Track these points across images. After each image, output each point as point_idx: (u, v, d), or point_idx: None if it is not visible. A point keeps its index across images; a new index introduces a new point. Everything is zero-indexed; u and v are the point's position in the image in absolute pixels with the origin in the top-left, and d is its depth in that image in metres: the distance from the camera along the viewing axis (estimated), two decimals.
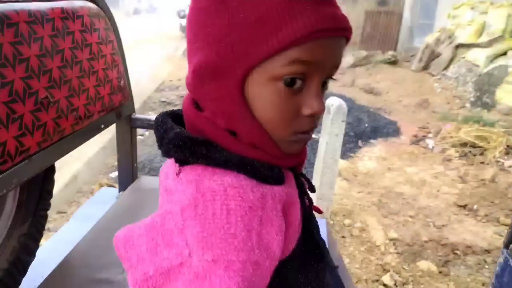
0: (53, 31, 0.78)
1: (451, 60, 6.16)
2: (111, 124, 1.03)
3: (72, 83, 0.83)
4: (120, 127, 1.12)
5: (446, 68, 6.15)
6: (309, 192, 0.55)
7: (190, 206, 0.39)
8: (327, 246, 1.06)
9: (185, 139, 0.43)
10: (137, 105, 4.53)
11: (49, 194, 0.86)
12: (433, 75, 6.27)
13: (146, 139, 4.06)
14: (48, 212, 2.56)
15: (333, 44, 0.41)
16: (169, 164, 0.48)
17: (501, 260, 1.11)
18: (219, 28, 0.40)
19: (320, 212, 0.62)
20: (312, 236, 0.52)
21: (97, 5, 0.97)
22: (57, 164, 2.90)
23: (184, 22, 16.39)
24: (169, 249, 0.40)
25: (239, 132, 0.44)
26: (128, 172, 1.16)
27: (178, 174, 0.44)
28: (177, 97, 5.74)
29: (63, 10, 0.82)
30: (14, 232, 0.78)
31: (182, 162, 0.44)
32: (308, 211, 0.53)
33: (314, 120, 0.44)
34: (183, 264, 0.39)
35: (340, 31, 0.41)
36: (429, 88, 5.93)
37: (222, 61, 0.41)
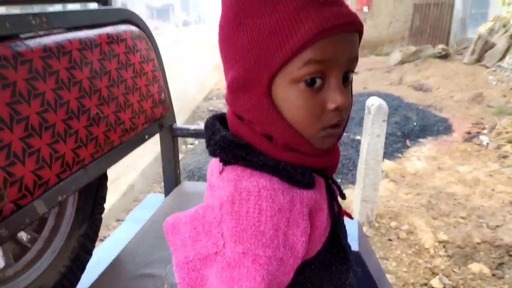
0: (101, 55, 0.89)
1: (506, 50, 5.79)
2: (154, 134, 1.13)
3: (119, 100, 0.93)
4: (163, 137, 1.22)
5: (501, 59, 5.79)
6: (340, 199, 0.59)
7: (228, 203, 0.45)
8: (357, 248, 1.08)
9: (229, 142, 0.49)
10: (186, 115, 4.74)
11: (103, 199, 0.97)
12: (487, 67, 5.93)
13: (195, 147, 4.23)
14: (108, 219, 2.74)
15: (343, 40, 0.45)
16: (215, 163, 0.54)
17: None
18: (242, 46, 0.46)
19: (351, 217, 0.65)
20: (338, 240, 0.56)
21: (139, 27, 1.08)
22: (115, 175, 3.09)
23: None
24: (207, 239, 0.46)
25: (274, 135, 0.49)
26: (172, 178, 1.26)
27: (221, 172, 0.51)
28: (224, 105, 5.91)
29: (108, 36, 0.93)
30: (74, 233, 0.90)
31: (225, 162, 0.50)
32: (337, 217, 0.57)
33: (341, 113, 0.47)
34: (218, 253, 0.45)
35: (345, 26, 0.44)
36: (483, 81, 5.62)
37: (249, 74, 0.46)
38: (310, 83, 0.45)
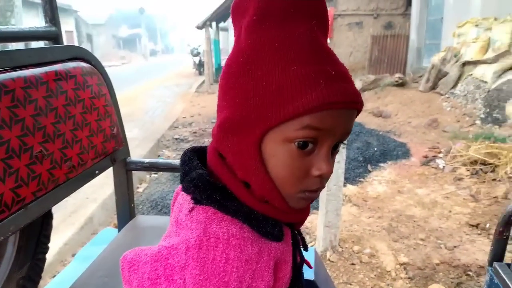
0: (47, 92, 0.89)
1: (458, 78, 6.16)
2: (106, 169, 1.12)
3: (66, 136, 0.93)
4: (116, 171, 1.22)
5: (454, 86, 6.15)
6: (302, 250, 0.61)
7: (194, 247, 0.44)
8: (313, 277, 1.10)
9: (205, 182, 0.49)
10: (151, 144, 4.70)
11: (47, 238, 0.94)
12: (441, 95, 6.28)
13: (159, 176, 4.18)
14: (64, 254, 2.62)
15: (343, 115, 0.46)
16: (185, 198, 0.53)
17: (487, 278, 1.13)
18: (244, 91, 0.46)
19: (310, 267, 0.67)
20: None
21: (90, 63, 1.09)
22: (73, 207, 2.98)
23: (197, 60, 17.02)
24: (167, 284, 0.45)
25: (252, 185, 0.49)
26: (126, 212, 1.24)
27: (191, 211, 0.49)
28: (190, 133, 5.90)
29: (56, 73, 0.94)
30: (13, 275, 0.87)
31: (197, 201, 0.50)
32: (299, 267, 0.58)
33: (322, 180, 0.48)
34: None
35: (349, 104, 0.45)
36: (438, 107, 5.93)
37: (245, 120, 0.46)
38: (302, 145, 0.45)
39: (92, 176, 1.04)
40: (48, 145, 0.87)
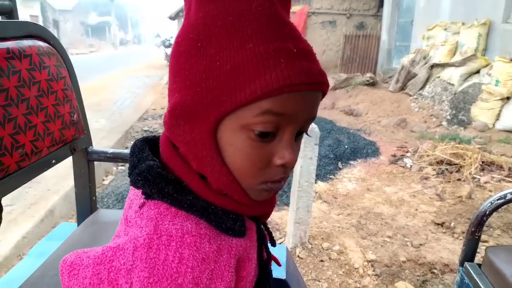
0: None
1: (426, 80, 6.33)
2: (64, 158, 1.03)
3: (18, 120, 0.84)
4: (76, 161, 1.13)
5: (422, 88, 6.31)
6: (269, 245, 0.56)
7: (143, 246, 0.39)
8: (285, 276, 1.05)
9: (155, 174, 0.43)
10: (119, 135, 4.54)
11: None
12: (410, 95, 6.42)
13: (127, 168, 4.04)
14: (22, 248, 2.48)
15: (307, 98, 0.41)
16: (136, 193, 0.47)
17: (458, 278, 1.12)
18: (196, 72, 0.41)
19: (279, 264, 0.62)
20: None
21: (48, 43, 0.99)
22: (33, 199, 2.84)
23: (169, 51, 16.69)
24: None
25: (208, 177, 0.44)
26: (86, 205, 1.15)
27: (141, 207, 0.44)
28: (159, 126, 5.76)
29: (8, 51, 0.84)
30: None
31: (147, 196, 0.44)
32: (265, 265, 0.53)
33: (286, 170, 0.44)
34: None
35: (314, 85, 0.41)
36: (406, 108, 6.06)
37: (196, 105, 0.41)
38: (262, 134, 0.41)
39: (48, 165, 0.95)
40: None
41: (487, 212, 1.05)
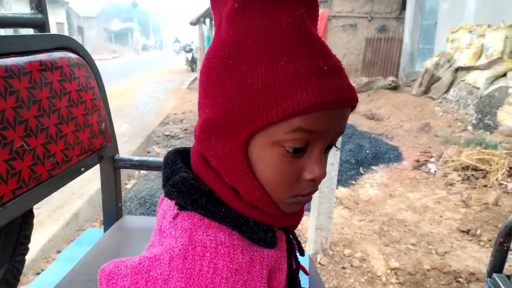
0: (30, 83, 0.83)
1: (451, 84, 6.19)
2: (93, 166, 1.06)
3: (49, 130, 0.87)
4: (103, 168, 1.16)
5: (446, 91, 6.17)
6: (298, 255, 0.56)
7: (179, 257, 0.40)
8: (308, 285, 1.05)
9: (189, 186, 0.44)
10: (141, 140, 4.61)
11: (27, 238, 0.88)
12: (433, 99, 6.29)
13: (149, 173, 4.10)
14: (47, 251, 2.55)
15: (337, 114, 0.42)
16: (169, 204, 0.48)
17: None
18: (228, 89, 0.42)
19: (307, 273, 0.62)
20: None
21: (78, 54, 1.03)
22: (59, 202, 2.91)
23: (189, 56, 16.90)
24: None
25: (240, 191, 0.45)
26: (112, 212, 1.18)
27: (175, 218, 0.45)
28: (180, 130, 5.83)
29: (41, 63, 0.87)
30: None
31: (181, 207, 0.45)
32: (294, 274, 0.54)
33: (315, 183, 0.45)
34: None
35: (344, 102, 0.41)
36: (430, 112, 5.94)
37: (228, 122, 0.42)
38: (294, 150, 0.41)
39: (78, 173, 0.98)
40: (30, 140, 0.80)
41: None
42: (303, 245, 2.66)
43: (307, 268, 1.14)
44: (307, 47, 0.41)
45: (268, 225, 0.46)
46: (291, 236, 0.53)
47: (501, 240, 1.06)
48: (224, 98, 0.42)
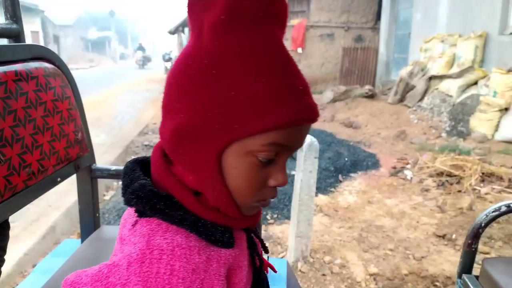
0: (6, 93, 0.82)
1: (425, 92, 6.37)
2: (69, 176, 1.05)
3: (25, 141, 0.86)
4: (80, 178, 1.14)
5: (421, 99, 6.35)
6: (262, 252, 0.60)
7: (136, 261, 0.41)
8: (286, 286, 1.07)
9: (148, 191, 0.46)
10: (120, 150, 4.55)
11: (3, 250, 0.87)
12: (409, 107, 6.46)
13: None
14: (23, 265, 2.48)
15: (305, 129, 0.47)
16: (130, 212, 0.50)
17: None
18: (209, 98, 0.43)
19: (274, 270, 0.64)
20: None
21: (54, 64, 1.02)
22: (34, 215, 2.84)
23: (168, 65, 16.81)
24: None
25: (207, 195, 0.47)
26: (90, 222, 1.17)
27: (134, 225, 0.46)
28: None
29: (16, 73, 0.87)
30: None
31: (140, 213, 0.47)
32: (259, 271, 0.56)
33: (276, 189, 0.50)
34: None
35: (314, 119, 0.46)
36: (405, 119, 6.10)
37: (206, 128, 0.44)
38: (267, 161, 0.45)
39: (54, 183, 0.97)
40: (5, 150, 0.79)
41: (483, 225, 1.06)
42: (284, 253, 2.67)
43: (284, 274, 1.15)
44: (286, 67, 0.45)
45: (226, 227, 0.48)
46: (252, 235, 0.56)
47: (469, 241, 1.10)
48: (204, 106, 0.43)
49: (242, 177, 0.45)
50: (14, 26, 0.99)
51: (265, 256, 0.60)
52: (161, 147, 0.51)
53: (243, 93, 0.42)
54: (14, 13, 1.00)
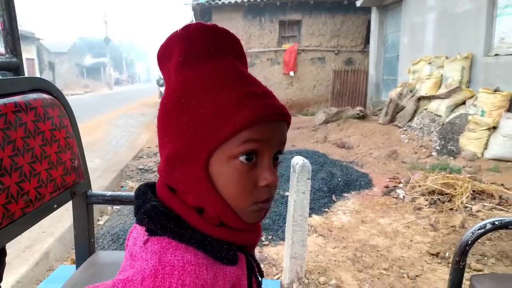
0: (5, 124, 0.87)
1: (414, 112, 6.49)
2: (65, 203, 1.08)
3: (23, 169, 0.90)
4: (76, 204, 1.17)
5: (410, 119, 6.46)
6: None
7: (150, 277, 0.45)
8: None
9: (159, 212, 0.51)
10: (114, 174, 4.54)
11: (0, 276, 0.89)
12: (399, 127, 6.56)
13: (122, 208, 4.04)
14: None
15: (276, 126, 0.51)
16: (139, 231, 0.54)
17: None
18: (184, 123, 0.50)
19: None
20: None
21: (52, 95, 1.07)
22: (28, 242, 2.83)
23: (163, 89, 16.95)
24: None
25: (206, 207, 0.51)
26: (85, 248, 1.19)
27: (145, 243, 0.50)
28: (154, 164, 5.80)
29: (16, 105, 0.91)
30: None
31: (151, 232, 0.51)
32: None
33: (271, 189, 0.52)
34: None
35: (279, 115, 0.51)
36: (396, 139, 6.18)
37: (188, 148, 0.49)
38: (247, 159, 0.49)
39: (50, 210, 1.00)
40: (4, 179, 0.83)
41: (469, 242, 1.10)
42: (278, 274, 2.67)
43: None
44: (242, 80, 0.52)
45: (230, 243, 0.52)
46: (250, 258, 0.60)
47: (457, 259, 1.14)
48: (183, 131, 0.50)
49: (232, 183, 0.50)
50: (14, 59, 1.04)
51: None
52: (163, 181, 0.56)
53: (210, 109, 0.48)
54: (14, 48, 1.05)
